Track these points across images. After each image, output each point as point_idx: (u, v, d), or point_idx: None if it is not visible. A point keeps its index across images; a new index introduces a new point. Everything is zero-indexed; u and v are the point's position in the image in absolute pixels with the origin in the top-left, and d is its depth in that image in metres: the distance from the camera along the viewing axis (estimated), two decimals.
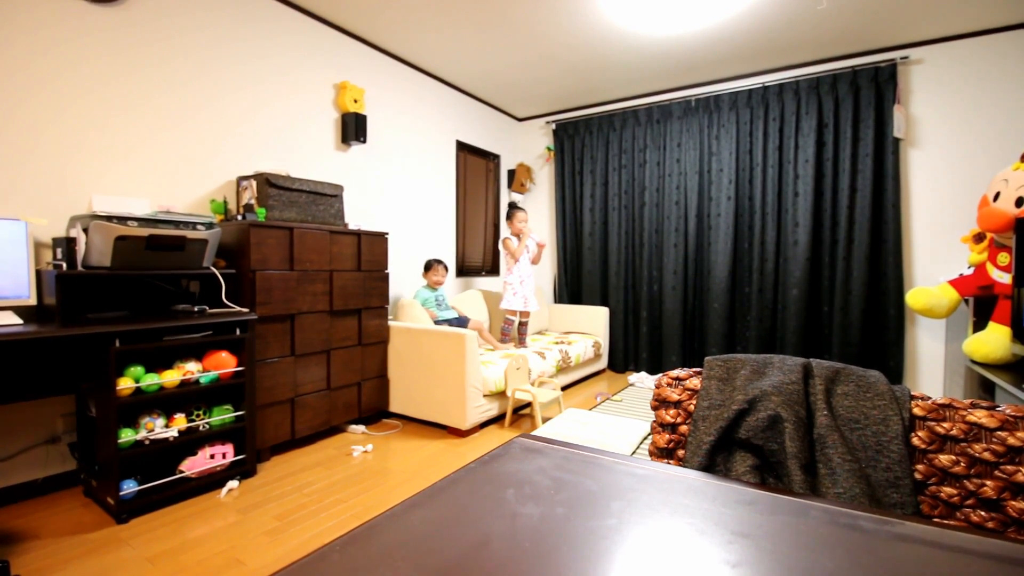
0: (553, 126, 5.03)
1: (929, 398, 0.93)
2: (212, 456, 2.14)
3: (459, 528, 0.57)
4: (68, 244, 1.91)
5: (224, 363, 2.17)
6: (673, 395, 1.12)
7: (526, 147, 5.31)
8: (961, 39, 3.36)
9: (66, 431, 2.18)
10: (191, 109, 2.57)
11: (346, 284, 2.86)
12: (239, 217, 2.55)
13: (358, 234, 2.94)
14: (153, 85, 2.42)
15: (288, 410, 2.57)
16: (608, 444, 2.69)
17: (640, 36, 3.39)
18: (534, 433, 1.78)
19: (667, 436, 1.10)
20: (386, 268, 3.13)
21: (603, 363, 4.61)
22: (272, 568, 1.62)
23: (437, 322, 3.47)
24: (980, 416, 0.86)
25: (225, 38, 2.70)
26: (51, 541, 1.76)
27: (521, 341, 3.91)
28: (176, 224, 2.08)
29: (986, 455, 0.83)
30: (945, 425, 0.88)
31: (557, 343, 4.01)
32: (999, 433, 0.83)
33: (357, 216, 3.49)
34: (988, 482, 0.83)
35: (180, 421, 2.07)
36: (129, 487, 1.90)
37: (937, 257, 3.49)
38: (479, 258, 4.94)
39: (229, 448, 2.20)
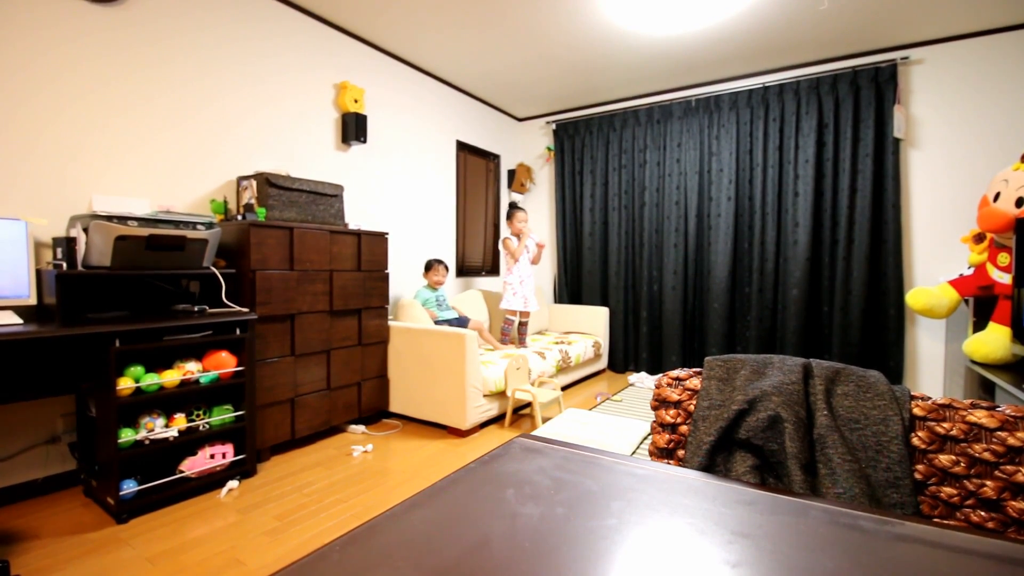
0: (553, 126, 5.03)
1: (929, 398, 0.93)
2: (212, 456, 2.14)
3: (459, 528, 0.57)
4: (68, 244, 1.91)
5: (224, 363, 2.17)
6: (673, 395, 1.12)
7: (526, 147, 5.31)
8: (961, 39, 3.36)
9: (66, 431, 2.18)
10: (191, 109, 2.57)
11: (346, 284, 2.86)
12: (239, 217, 2.55)
13: (358, 234, 2.94)
14: (153, 85, 2.42)
15: (288, 410, 2.57)
16: (608, 444, 2.69)
17: (640, 36, 3.39)
18: (534, 433, 1.78)
19: (667, 436, 1.10)
20: (386, 268, 3.13)
21: (603, 363, 4.61)
22: (272, 568, 1.62)
23: (437, 322, 3.47)
24: (980, 416, 0.86)
25: (225, 38, 2.70)
26: (51, 541, 1.76)
27: (521, 341, 3.91)
28: (176, 224, 2.08)
29: (986, 455, 0.83)
30: (945, 425, 0.88)
31: (557, 343, 4.01)
32: (999, 433, 0.83)
33: (357, 216, 3.49)
34: (988, 482, 0.83)
35: (180, 421, 2.07)
36: (129, 487, 1.90)
37: (937, 257, 3.49)
38: (479, 258, 4.94)
39: (229, 448, 2.20)
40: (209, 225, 2.19)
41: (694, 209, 4.25)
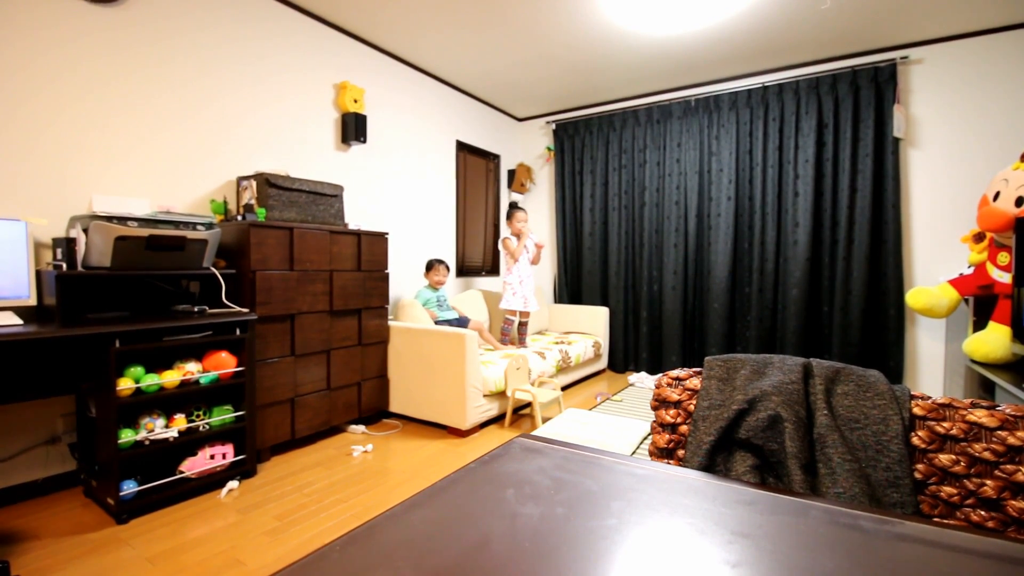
0: (553, 126, 5.03)
1: (929, 398, 0.93)
2: (212, 456, 2.14)
3: (459, 528, 0.57)
4: (68, 244, 1.91)
5: (224, 363, 2.17)
6: (673, 395, 1.12)
7: (526, 147, 5.31)
8: (961, 39, 3.36)
9: (66, 431, 2.18)
10: (191, 109, 2.57)
11: (346, 284, 2.86)
12: (239, 217, 2.55)
13: (358, 234, 2.94)
14: (153, 85, 2.42)
15: (288, 410, 2.57)
16: (608, 444, 2.69)
17: (640, 36, 3.39)
18: (534, 433, 1.78)
19: (667, 436, 1.10)
20: (386, 268, 3.13)
21: (603, 363, 4.61)
22: (272, 568, 1.62)
23: (437, 322, 3.47)
24: (980, 416, 0.86)
25: (225, 38, 2.70)
26: (51, 541, 1.76)
27: (521, 341, 3.90)
28: (176, 224, 2.08)
29: (986, 455, 0.83)
30: (945, 425, 0.88)
31: (557, 343, 4.01)
32: (999, 433, 0.83)
33: (357, 216, 3.49)
34: (988, 481, 0.83)
35: (180, 421, 2.07)
36: (129, 487, 1.90)
37: (937, 257, 3.49)
38: (479, 258, 4.94)
39: (229, 448, 2.20)
40: (209, 225, 2.19)
41: (694, 209, 4.25)
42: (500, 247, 4.46)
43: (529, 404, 3.44)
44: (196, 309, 2.19)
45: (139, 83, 2.37)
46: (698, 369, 1.14)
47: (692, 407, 1.08)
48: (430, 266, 3.69)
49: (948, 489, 0.86)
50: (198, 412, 2.14)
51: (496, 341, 3.82)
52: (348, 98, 3.29)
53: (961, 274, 2.81)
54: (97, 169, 2.24)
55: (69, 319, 1.91)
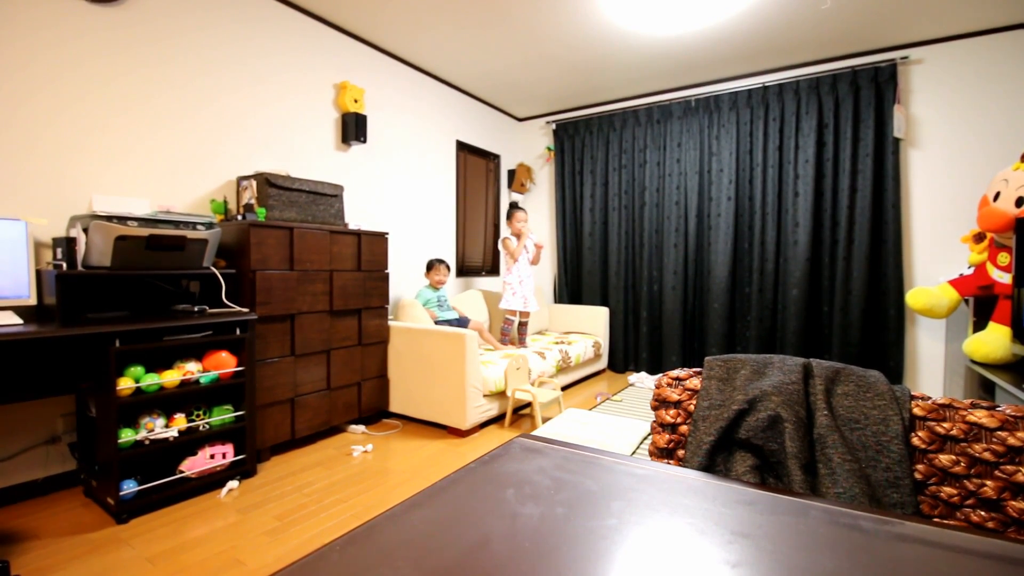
0: (553, 126, 5.03)
1: (929, 398, 0.93)
2: (212, 456, 2.14)
3: (459, 528, 0.57)
4: (68, 244, 1.91)
5: (224, 363, 2.17)
6: (673, 395, 1.12)
7: (526, 147, 5.31)
8: (961, 39, 3.36)
9: (66, 431, 2.18)
10: (191, 109, 2.57)
11: (346, 284, 2.86)
12: (239, 217, 2.55)
13: (358, 234, 2.94)
14: (153, 85, 2.42)
15: (288, 410, 2.57)
16: (608, 444, 2.69)
17: (640, 36, 3.39)
18: (534, 433, 1.78)
19: (667, 436, 1.10)
20: (386, 268, 3.13)
21: (603, 363, 4.61)
22: (272, 568, 1.62)
23: (438, 322, 3.47)
24: (980, 416, 0.86)
25: (225, 38, 2.70)
26: (51, 541, 1.76)
27: (521, 341, 3.90)
28: (176, 224, 2.08)
29: (986, 455, 0.83)
30: (945, 425, 0.88)
31: (557, 343, 4.01)
32: (999, 433, 0.83)
33: (357, 216, 3.49)
34: (988, 482, 0.83)
35: (180, 421, 2.07)
36: (129, 487, 1.90)
37: (937, 257, 3.49)
38: (479, 258, 4.94)
39: (229, 448, 2.20)
40: (209, 225, 2.19)
41: (694, 209, 4.25)
42: (500, 247, 4.45)
43: (529, 404, 3.44)
44: (196, 309, 2.19)
45: (139, 83, 2.37)
46: (698, 369, 1.14)
47: (692, 407, 1.08)
48: (430, 266, 3.69)
49: (948, 489, 0.86)
50: (198, 412, 2.14)
51: (496, 341, 3.82)
52: (348, 98, 3.29)
53: (961, 274, 2.81)
54: (97, 169, 2.24)
55: (69, 319, 1.91)
